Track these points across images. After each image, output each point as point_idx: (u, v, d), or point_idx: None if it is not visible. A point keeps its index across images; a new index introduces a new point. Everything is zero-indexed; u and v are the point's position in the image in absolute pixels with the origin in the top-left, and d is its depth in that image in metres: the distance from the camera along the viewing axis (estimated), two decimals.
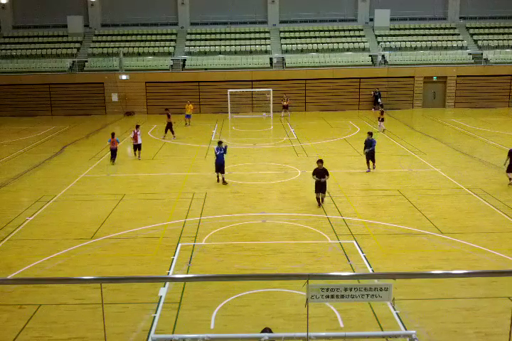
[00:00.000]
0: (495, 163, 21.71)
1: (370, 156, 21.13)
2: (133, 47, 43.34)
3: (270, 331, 7.79)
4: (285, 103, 36.85)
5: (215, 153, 19.67)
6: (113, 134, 23.58)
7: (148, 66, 41.59)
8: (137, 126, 24.48)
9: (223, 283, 11.33)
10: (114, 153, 23.34)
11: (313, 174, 16.88)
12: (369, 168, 21.22)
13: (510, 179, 18.81)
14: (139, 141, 23.99)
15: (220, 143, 19.96)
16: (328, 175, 16.74)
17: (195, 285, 11.37)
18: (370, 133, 21.50)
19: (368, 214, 16.08)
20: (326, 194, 17.23)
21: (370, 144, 20.97)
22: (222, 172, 19.78)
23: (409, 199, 17.48)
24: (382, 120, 30.41)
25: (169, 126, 29.49)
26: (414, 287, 11.19)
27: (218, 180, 19.88)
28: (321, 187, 16.77)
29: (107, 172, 21.99)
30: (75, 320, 10.22)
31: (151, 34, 45.12)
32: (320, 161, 16.86)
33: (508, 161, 18.73)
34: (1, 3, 44.61)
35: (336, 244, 13.67)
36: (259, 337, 7.24)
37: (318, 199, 16.88)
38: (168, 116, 29.42)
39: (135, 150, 24.19)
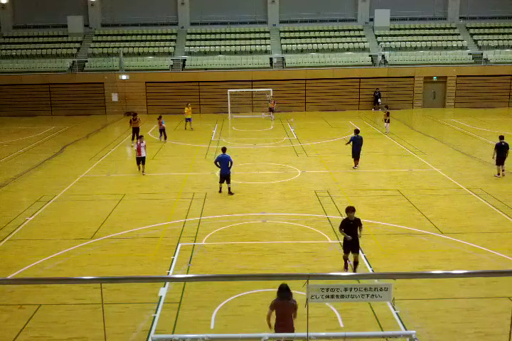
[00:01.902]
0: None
1: (356, 154, 21.49)
2: (133, 47, 43.32)
3: (287, 287, 7.83)
4: (271, 105, 36.49)
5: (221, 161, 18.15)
6: (160, 117, 27.99)
7: (148, 66, 41.56)
8: (140, 137, 21.94)
9: (223, 283, 11.32)
10: (161, 132, 28.04)
11: (341, 228, 11.84)
12: (356, 165, 21.81)
13: (498, 172, 20.08)
14: (143, 154, 21.27)
15: (224, 149, 18.64)
16: (361, 226, 11.84)
17: (195, 285, 11.37)
18: (357, 131, 21.83)
19: (368, 214, 16.06)
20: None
21: (359, 142, 21.45)
22: (228, 181, 18.37)
23: (409, 199, 17.48)
24: (388, 121, 30.03)
25: (135, 131, 27.18)
26: (414, 287, 11.19)
27: (221, 191, 18.54)
28: (352, 246, 11.82)
29: (107, 172, 22.01)
30: (75, 320, 10.22)
31: (151, 34, 45.09)
32: (351, 210, 11.71)
33: (496, 155, 19.95)
34: (1, 3, 44.60)
35: (336, 244, 13.65)
36: (259, 337, 7.25)
37: (346, 259, 12.09)
38: (135, 120, 27.28)
39: (138, 163, 21.52)
